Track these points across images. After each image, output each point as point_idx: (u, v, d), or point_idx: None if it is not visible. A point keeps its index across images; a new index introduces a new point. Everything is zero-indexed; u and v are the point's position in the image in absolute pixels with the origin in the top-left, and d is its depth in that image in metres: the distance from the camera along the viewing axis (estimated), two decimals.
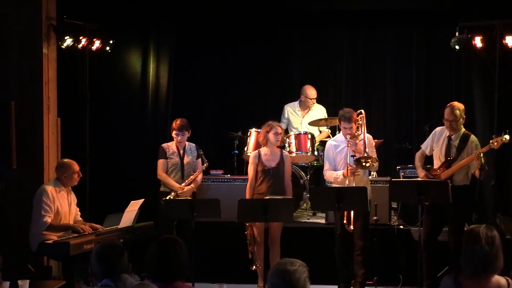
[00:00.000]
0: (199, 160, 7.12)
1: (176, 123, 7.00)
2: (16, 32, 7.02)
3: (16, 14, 7.02)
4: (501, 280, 3.50)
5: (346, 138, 6.40)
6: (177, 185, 6.89)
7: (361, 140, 6.33)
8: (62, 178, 6.19)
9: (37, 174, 6.92)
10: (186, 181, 6.95)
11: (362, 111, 6.49)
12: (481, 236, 3.45)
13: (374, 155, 6.44)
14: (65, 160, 6.48)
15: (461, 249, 3.53)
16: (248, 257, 6.63)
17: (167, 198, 6.71)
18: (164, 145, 7.08)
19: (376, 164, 6.36)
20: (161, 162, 7.00)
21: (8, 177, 6.66)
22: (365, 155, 6.19)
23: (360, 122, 6.42)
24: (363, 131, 6.37)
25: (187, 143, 7.11)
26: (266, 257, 6.32)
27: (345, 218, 6.24)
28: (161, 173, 6.99)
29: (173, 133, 7.02)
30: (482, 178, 6.25)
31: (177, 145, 7.03)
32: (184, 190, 6.89)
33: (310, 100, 8.48)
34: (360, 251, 6.40)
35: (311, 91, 8.49)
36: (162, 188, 7.01)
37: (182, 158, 7.01)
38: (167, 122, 8.59)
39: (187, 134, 7.03)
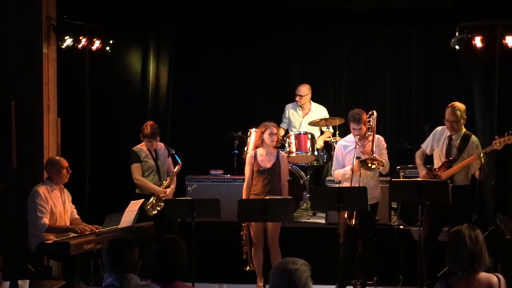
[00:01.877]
0: (170, 159, 7.03)
1: (147, 129, 6.81)
2: (16, 32, 7.02)
3: (16, 14, 7.02)
4: (492, 278, 3.59)
5: (355, 139, 6.36)
6: (158, 188, 6.82)
7: (370, 141, 6.29)
8: (52, 175, 6.17)
9: (37, 174, 6.91)
10: (165, 182, 6.87)
11: (374, 112, 6.45)
12: (465, 235, 3.56)
13: (385, 156, 6.41)
14: (54, 157, 6.49)
15: (447, 250, 3.61)
16: (242, 257, 6.63)
17: (150, 202, 6.72)
18: (136, 148, 6.89)
19: (384, 166, 6.28)
20: (136, 166, 6.82)
21: (8, 177, 6.67)
22: (372, 156, 6.16)
23: (371, 123, 6.37)
24: (373, 132, 6.32)
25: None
26: (266, 258, 6.32)
27: (345, 213, 6.20)
28: (138, 177, 6.81)
29: (145, 140, 6.86)
30: (482, 179, 6.25)
31: (149, 148, 6.90)
32: (167, 193, 6.84)
33: (297, 96, 8.46)
34: (364, 251, 6.40)
35: (299, 88, 8.50)
36: (138, 191, 6.84)
37: (156, 160, 6.90)
38: (167, 122, 8.61)
39: (158, 139, 6.91)
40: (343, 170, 6.42)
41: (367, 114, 6.41)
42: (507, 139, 6.10)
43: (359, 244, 6.41)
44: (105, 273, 3.66)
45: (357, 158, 6.22)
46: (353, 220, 6.21)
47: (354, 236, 6.37)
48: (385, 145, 6.51)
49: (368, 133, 6.35)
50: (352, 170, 6.22)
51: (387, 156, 6.45)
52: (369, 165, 6.13)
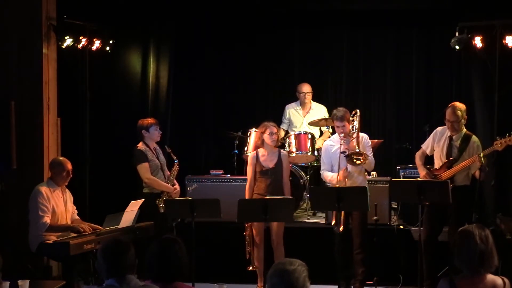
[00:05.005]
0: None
1: (151, 120, 6.84)
2: (16, 32, 7.02)
3: (16, 14, 7.02)
4: (497, 280, 3.57)
5: (340, 136, 6.44)
6: (170, 186, 6.80)
7: (354, 138, 6.36)
8: (53, 175, 6.18)
9: (37, 174, 6.91)
10: (172, 180, 6.86)
11: (358, 110, 6.50)
12: (475, 234, 3.54)
13: (370, 154, 6.46)
14: (59, 157, 6.48)
15: (455, 249, 3.58)
16: (245, 257, 6.63)
17: (162, 199, 6.68)
18: (141, 147, 6.74)
19: (369, 162, 6.35)
20: (146, 165, 6.67)
21: (8, 177, 6.66)
22: (356, 151, 6.21)
23: (355, 121, 6.42)
24: (357, 130, 6.39)
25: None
26: (266, 258, 6.32)
27: (333, 218, 6.23)
28: (149, 176, 6.68)
29: (155, 130, 6.78)
30: (482, 179, 6.24)
31: (152, 145, 6.81)
32: (177, 189, 6.86)
33: (302, 94, 8.50)
34: (359, 249, 6.41)
35: (302, 86, 8.55)
36: (147, 190, 6.74)
37: (158, 158, 6.86)
38: (167, 122, 8.61)
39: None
40: (330, 175, 6.48)
41: (350, 113, 6.45)
42: (508, 140, 6.10)
43: (355, 244, 6.42)
44: (102, 277, 3.65)
45: (342, 152, 6.30)
46: (341, 227, 6.21)
47: (350, 236, 6.39)
48: (370, 143, 6.60)
49: (352, 131, 6.41)
50: (338, 178, 6.31)
51: (371, 154, 6.51)
52: (354, 160, 6.20)
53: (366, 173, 6.81)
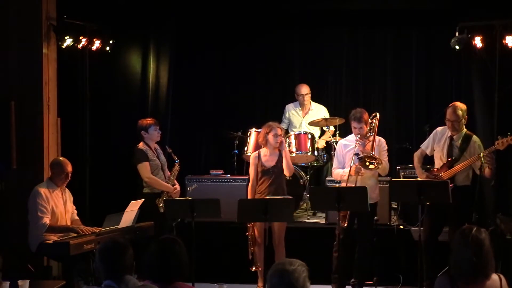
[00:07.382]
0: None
1: (151, 120, 6.86)
2: (16, 32, 7.03)
3: (16, 14, 7.03)
4: (493, 276, 3.53)
5: (356, 138, 6.37)
6: (170, 186, 6.82)
7: (370, 141, 6.30)
8: (52, 176, 6.19)
9: (37, 174, 6.92)
10: (172, 180, 6.86)
11: (377, 114, 6.45)
12: (470, 246, 3.41)
13: (385, 158, 6.42)
14: (60, 158, 6.47)
15: (450, 257, 3.52)
16: (248, 257, 6.63)
17: (162, 199, 6.69)
18: (142, 147, 6.77)
19: (383, 167, 6.30)
20: (146, 165, 6.68)
21: (8, 177, 6.67)
22: (370, 154, 6.17)
23: (373, 124, 6.37)
24: (374, 132, 6.32)
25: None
26: (267, 258, 6.33)
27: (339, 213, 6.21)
28: (150, 176, 6.69)
29: (155, 130, 6.81)
30: (490, 177, 6.23)
31: (152, 146, 6.83)
32: (178, 189, 6.87)
33: (301, 96, 8.50)
34: (362, 252, 6.40)
35: (300, 88, 8.54)
36: (147, 190, 6.75)
37: (159, 158, 6.88)
38: (167, 122, 8.61)
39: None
40: (342, 171, 6.44)
41: (369, 115, 6.41)
42: (510, 139, 6.10)
43: (357, 245, 6.41)
44: (102, 277, 3.65)
45: (356, 154, 6.23)
46: (345, 222, 6.20)
47: (353, 237, 6.38)
48: (386, 147, 6.52)
49: (369, 133, 6.36)
50: (349, 173, 6.26)
51: (387, 158, 6.46)
52: (367, 163, 6.14)
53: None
